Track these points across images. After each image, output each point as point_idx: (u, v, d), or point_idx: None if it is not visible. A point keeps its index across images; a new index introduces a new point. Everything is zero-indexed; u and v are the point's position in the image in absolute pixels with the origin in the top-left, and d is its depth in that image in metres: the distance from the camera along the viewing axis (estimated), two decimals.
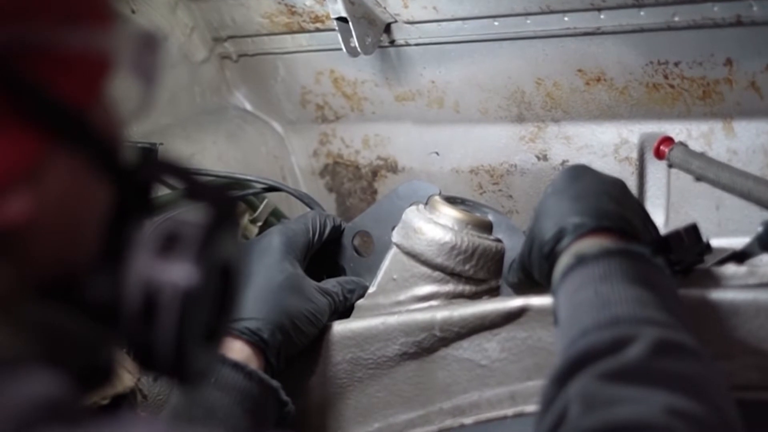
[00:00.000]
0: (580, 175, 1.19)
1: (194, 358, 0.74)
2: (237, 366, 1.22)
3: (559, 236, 1.08)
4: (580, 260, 1.02)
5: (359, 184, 2.01)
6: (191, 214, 0.73)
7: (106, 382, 0.74)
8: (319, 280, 1.43)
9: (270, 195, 1.73)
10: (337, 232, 1.55)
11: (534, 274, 1.17)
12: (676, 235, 1.17)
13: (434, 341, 1.31)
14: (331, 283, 1.44)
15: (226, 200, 0.75)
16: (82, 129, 0.67)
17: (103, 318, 0.70)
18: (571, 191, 1.14)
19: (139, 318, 0.70)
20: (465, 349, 1.29)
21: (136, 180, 0.73)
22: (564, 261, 1.06)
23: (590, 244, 1.05)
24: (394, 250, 1.41)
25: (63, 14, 0.64)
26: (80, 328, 0.69)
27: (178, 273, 0.70)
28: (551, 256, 1.09)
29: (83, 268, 0.70)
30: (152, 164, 0.74)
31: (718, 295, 1.15)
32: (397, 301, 1.38)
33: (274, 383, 1.26)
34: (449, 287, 1.36)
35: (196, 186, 0.75)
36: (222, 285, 0.78)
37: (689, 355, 0.90)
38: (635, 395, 0.82)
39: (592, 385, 0.85)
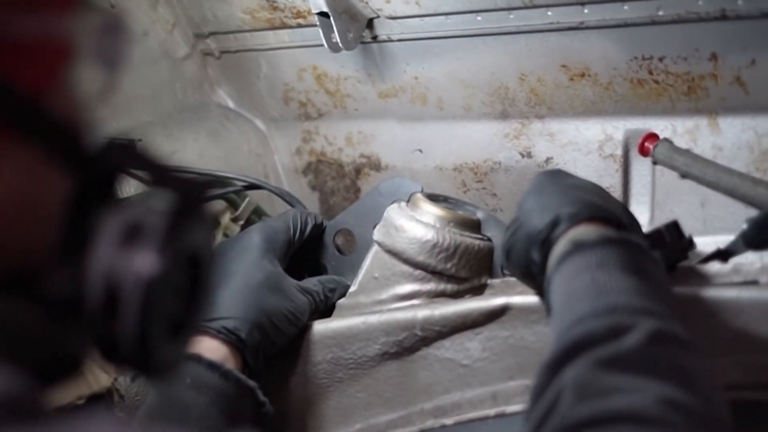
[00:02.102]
0: (561, 175, 1.20)
1: (160, 350, 0.72)
2: (213, 365, 1.21)
3: (554, 223, 1.07)
4: (578, 246, 1.01)
5: (342, 183, 2.00)
6: (157, 203, 0.71)
7: (71, 378, 0.72)
8: (300, 278, 1.42)
9: (252, 193, 1.72)
10: (319, 230, 1.54)
11: (513, 269, 1.15)
12: (657, 233, 1.17)
13: (415, 341, 1.30)
14: (311, 282, 1.43)
15: (192, 187, 0.73)
16: (38, 117, 0.65)
17: (64, 311, 0.68)
18: (556, 187, 1.14)
19: (101, 309, 0.68)
20: (446, 349, 1.29)
21: (99, 169, 0.71)
22: (560, 247, 1.05)
23: (587, 231, 1.04)
24: (375, 248, 1.40)
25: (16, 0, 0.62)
26: (39, 323, 0.67)
27: (141, 262, 0.68)
28: (546, 244, 1.08)
29: (43, 260, 0.68)
30: (116, 152, 0.72)
31: (701, 293, 1.14)
32: (379, 300, 1.37)
33: (251, 383, 1.24)
34: (431, 286, 1.34)
35: (161, 173, 0.73)
36: (191, 275, 0.76)
37: (684, 347, 0.89)
38: (630, 385, 0.81)
39: (587, 372, 0.84)
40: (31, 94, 0.64)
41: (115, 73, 0.70)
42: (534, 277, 1.11)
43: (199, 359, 1.21)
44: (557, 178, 1.18)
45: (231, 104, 2.06)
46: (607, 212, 1.08)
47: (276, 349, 1.33)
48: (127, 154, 0.73)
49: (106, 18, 0.69)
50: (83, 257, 0.68)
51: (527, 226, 1.11)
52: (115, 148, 0.71)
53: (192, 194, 0.73)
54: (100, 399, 1.34)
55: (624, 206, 1.17)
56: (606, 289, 0.95)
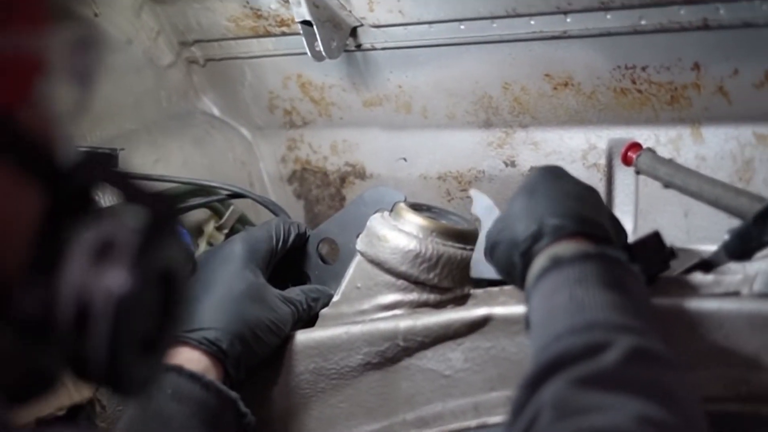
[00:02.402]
0: (556, 175, 1.19)
1: (131, 367, 0.71)
2: (194, 377, 1.21)
3: (537, 236, 1.06)
4: (556, 263, 1.01)
5: (327, 191, 1.99)
6: (130, 219, 0.71)
7: (43, 396, 0.71)
8: (284, 287, 1.42)
9: (237, 202, 1.72)
10: (302, 239, 1.54)
11: (495, 268, 1.15)
12: (639, 244, 1.16)
13: (398, 351, 1.29)
14: (294, 292, 1.42)
15: (165, 204, 0.73)
16: (10, 133, 0.64)
17: (35, 329, 0.67)
18: (548, 191, 1.13)
19: (72, 327, 0.67)
20: (429, 359, 1.28)
21: (72, 185, 0.70)
22: (540, 263, 1.04)
23: (567, 247, 1.04)
24: (358, 258, 1.39)
25: None
26: (10, 342, 0.67)
27: (112, 279, 0.68)
28: (526, 256, 1.07)
29: (14, 277, 0.67)
30: (89, 168, 0.71)
31: (683, 304, 1.14)
32: (361, 310, 1.37)
33: (233, 394, 1.24)
34: (413, 296, 1.34)
35: (134, 190, 0.73)
36: (165, 293, 0.75)
37: (663, 364, 0.88)
38: (608, 402, 0.81)
39: (565, 390, 0.83)
40: (2, 109, 0.63)
41: (89, 88, 0.70)
42: (515, 278, 1.11)
43: (179, 370, 1.20)
44: (551, 179, 1.17)
45: (216, 112, 2.05)
46: (592, 225, 1.07)
47: (258, 360, 1.32)
48: (101, 170, 0.72)
49: (79, 32, 0.68)
50: (54, 275, 0.68)
51: (512, 231, 1.10)
52: (89, 163, 0.71)
53: (165, 211, 0.73)
54: (82, 410, 1.33)
55: (612, 214, 1.17)
56: (584, 306, 0.94)
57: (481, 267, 1.27)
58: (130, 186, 0.72)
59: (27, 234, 0.68)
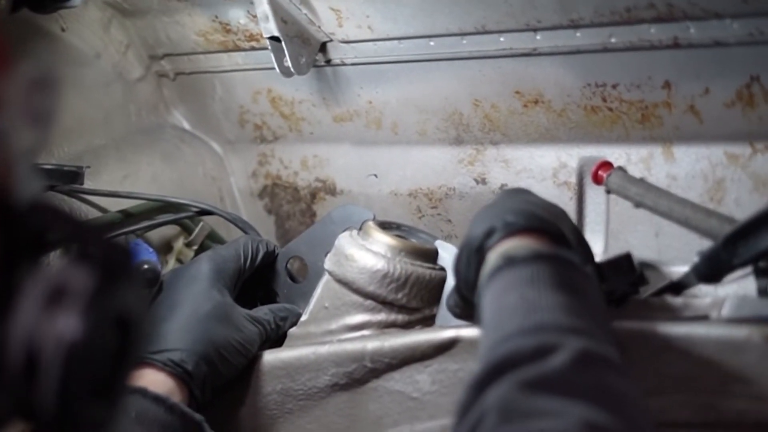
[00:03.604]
0: (521, 191, 1.19)
1: (82, 414, 0.69)
2: (158, 399, 1.19)
3: (489, 232, 1.05)
4: (509, 262, 0.99)
5: (298, 207, 1.98)
6: (83, 265, 0.69)
7: None
8: (252, 306, 1.42)
9: (207, 218, 1.71)
10: (271, 257, 1.53)
11: (461, 285, 1.13)
12: (609, 264, 1.15)
13: (365, 372, 1.28)
14: (262, 311, 1.41)
15: (117, 247, 0.71)
16: None
17: None
18: (507, 201, 1.12)
19: (21, 373, 0.66)
20: (396, 381, 1.27)
21: (25, 228, 0.68)
22: (492, 261, 1.02)
23: (520, 244, 1.02)
24: (326, 277, 1.38)
25: None
26: None
27: (63, 326, 0.66)
28: (479, 253, 1.06)
29: None
30: (43, 211, 0.69)
31: (651, 328, 1.12)
32: (329, 330, 1.36)
33: (197, 417, 1.22)
34: (381, 316, 1.33)
35: (87, 235, 0.71)
36: (119, 337, 0.73)
37: (612, 369, 0.86)
38: (553, 407, 0.79)
39: (511, 393, 0.81)
40: None
41: (46, 131, 0.68)
42: (473, 288, 1.09)
43: (144, 392, 1.18)
44: (513, 193, 1.17)
45: (186, 126, 2.03)
46: (547, 224, 1.06)
47: (224, 381, 1.31)
48: (55, 214, 0.71)
49: (36, 75, 0.67)
50: (4, 319, 0.66)
51: (468, 236, 1.09)
52: (43, 206, 0.69)
53: (119, 256, 0.71)
54: None
55: (576, 228, 1.15)
56: (534, 307, 0.92)
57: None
58: (83, 229, 0.71)
59: None
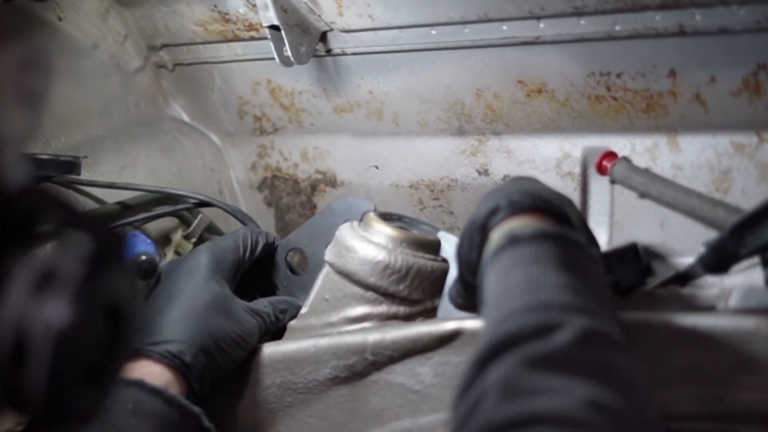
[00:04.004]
0: (525, 178, 1.19)
1: (71, 401, 0.68)
2: (156, 391, 1.17)
3: (493, 211, 1.05)
4: (513, 240, 0.98)
5: (298, 199, 1.96)
6: (73, 249, 0.68)
7: None
8: (252, 298, 1.40)
9: (206, 210, 1.70)
10: (270, 249, 1.52)
11: (464, 270, 1.12)
12: (615, 254, 1.14)
13: (366, 365, 1.26)
14: (262, 303, 1.40)
15: (109, 234, 0.70)
16: None
17: None
18: (511, 184, 1.12)
19: (9, 360, 0.64)
20: (398, 374, 1.25)
21: (14, 211, 0.67)
22: (496, 239, 1.02)
23: (524, 223, 1.02)
24: (326, 269, 1.37)
25: None
26: None
27: (53, 312, 0.65)
28: (483, 231, 1.05)
29: None
30: (34, 195, 0.68)
31: (657, 319, 1.11)
32: (329, 323, 1.34)
33: (196, 409, 1.20)
34: (383, 308, 1.31)
35: (78, 219, 0.70)
36: (111, 326, 0.72)
37: (615, 348, 0.86)
38: (556, 385, 0.78)
39: (513, 371, 0.80)
40: None
41: (35, 111, 0.67)
42: (475, 269, 1.08)
43: (141, 384, 1.17)
44: (519, 179, 1.17)
45: (185, 117, 2.02)
46: (550, 205, 1.06)
47: (223, 373, 1.29)
48: (46, 197, 0.69)
49: (24, 54, 0.65)
50: None
51: (471, 216, 1.08)
52: (35, 190, 0.68)
53: (110, 241, 0.70)
54: None
55: (581, 215, 1.14)
56: (539, 285, 0.92)
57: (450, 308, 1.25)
58: (75, 215, 0.70)
59: None
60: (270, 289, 1.54)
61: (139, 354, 1.22)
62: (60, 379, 0.66)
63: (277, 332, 1.40)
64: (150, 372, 1.20)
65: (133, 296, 0.74)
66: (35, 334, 0.64)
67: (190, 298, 1.30)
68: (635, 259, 1.14)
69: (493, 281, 0.98)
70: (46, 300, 0.65)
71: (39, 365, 0.65)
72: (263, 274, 1.54)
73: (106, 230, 0.70)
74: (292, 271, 1.54)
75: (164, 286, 1.35)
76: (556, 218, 1.05)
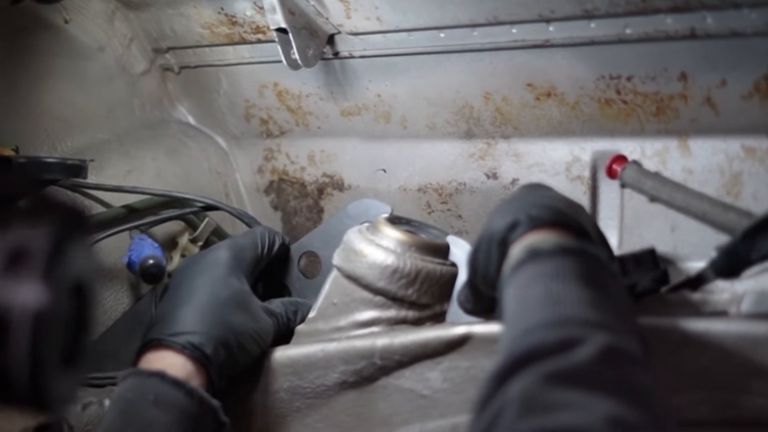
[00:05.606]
0: (538, 186, 1.18)
1: (53, 384, 0.68)
2: (177, 383, 1.18)
3: (513, 225, 1.04)
4: (534, 255, 0.98)
5: (305, 202, 1.96)
6: (39, 227, 0.67)
7: None
8: (264, 299, 1.40)
9: (212, 214, 1.70)
10: (285, 250, 1.51)
11: (478, 280, 1.11)
12: (631, 259, 1.13)
13: (374, 370, 1.26)
14: (275, 304, 1.41)
15: (74, 210, 0.70)
16: None
17: None
18: (528, 194, 1.12)
19: None
20: (406, 379, 1.24)
21: None
22: (516, 254, 1.01)
23: (545, 238, 1.02)
24: (334, 273, 1.36)
25: None
26: None
27: (27, 294, 0.65)
28: (502, 245, 1.05)
29: None
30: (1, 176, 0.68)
31: (668, 323, 1.10)
32: (337, 327, 1.33)
33: (215, 403, 1.21)
34: (391, 313, 1.30)
35: (44, 199, 0.69)
36: (75, 303, 0.73)
37: (636, 365, 0.85)
38: (577, 401, 0.77)
39: (534, 385, 0.80)
40: None
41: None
42: (492, 282, 1.08)
43: (163, 376, 1.17)
44: (533, 188, 1.16)
45: (191, 120, 2.02)
46: (570, 219, 1.05)
47: (239, 369, 1.30)
48: (12, 178, 0.69)
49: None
50: None
51: (489, 228, 1.08)
52: (2, 172, 0.68)
53: (75, 217, 0.70)
54: (49, 429, 1.30)
55: (595, 223, 1.14)
56: (559, 300, 0.91)
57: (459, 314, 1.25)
58: (41, 194, 0.70)
59: None
60: (282, 292, 1.54)
61: (159, 344, 1.22)
62: (41, 360, 0.66)
63: (287, 334, 1.40)
64: (171, 363, 1.21)
65: (95, 273, 0.74)
66: (13, 317, 0.64)
67: (210, 292, 1.30)
68: (652, 265, 1.13)
69: (513, 295, 0.97)
70: (20, 280, 0.65)
71: (21, 347, 0.64)
72: (276, 277, 1.54)
73: (71, 206, 0.70)
74: (304, 274, 1.54)
75: (183, 280, 1.34)
76: (576, 232, 1.05)
